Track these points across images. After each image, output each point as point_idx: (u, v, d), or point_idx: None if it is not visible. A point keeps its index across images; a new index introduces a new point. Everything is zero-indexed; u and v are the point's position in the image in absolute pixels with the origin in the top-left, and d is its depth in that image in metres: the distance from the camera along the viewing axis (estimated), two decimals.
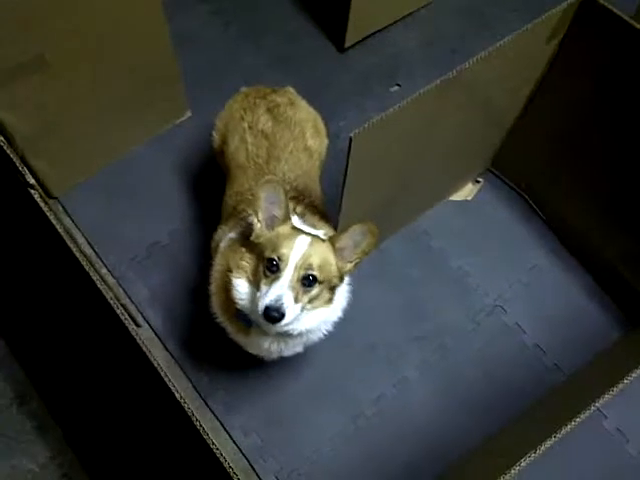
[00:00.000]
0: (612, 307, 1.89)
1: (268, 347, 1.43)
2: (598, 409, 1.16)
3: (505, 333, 1.85)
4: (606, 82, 1.53)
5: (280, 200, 1.28)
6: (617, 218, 1.73)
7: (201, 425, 0.96)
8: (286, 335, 1.35)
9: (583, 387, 1.54)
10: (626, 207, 1.69)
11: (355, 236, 1.27)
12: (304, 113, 1.72)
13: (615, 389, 1.18)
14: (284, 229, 1.30)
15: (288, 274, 1.23)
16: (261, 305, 1.23)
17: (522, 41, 1.39)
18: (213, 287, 1.46)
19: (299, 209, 1.49)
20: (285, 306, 1.21)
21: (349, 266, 1.32)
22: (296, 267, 1.24)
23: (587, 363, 1.78)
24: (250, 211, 1.47)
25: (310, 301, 1.28)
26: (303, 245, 1.26)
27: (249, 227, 1.42)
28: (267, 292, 1.23)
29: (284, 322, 1.22)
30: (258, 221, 1.31)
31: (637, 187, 1.62)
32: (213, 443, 0.94)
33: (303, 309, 1.27)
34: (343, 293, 1.45)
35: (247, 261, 1.33)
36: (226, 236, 1.48)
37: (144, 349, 1.02)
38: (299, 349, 1.49)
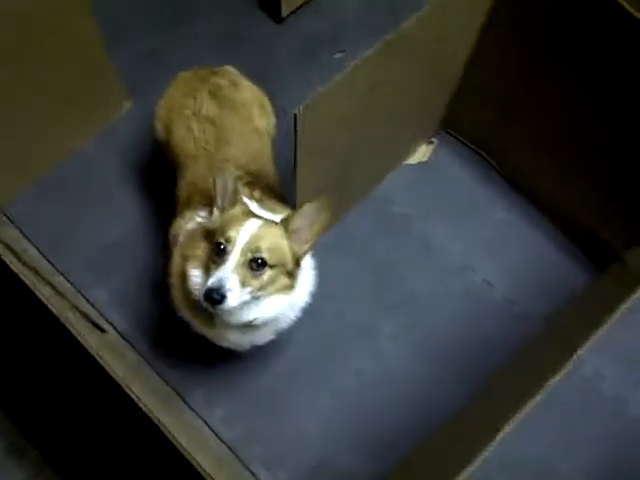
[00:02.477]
0: (577, 254, 1.91)
1: (236, 339, 1.40)
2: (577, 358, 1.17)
3: (475, 291, 1.85)
4: (551, 25, 1.50)
5: (231, 185, 1.26)
6: (573, 163, 1.72)
7: (161, 422, 0.92)
8: (250, 326, 1.32)
9: (557, 337, 1.56)
10: (581, 151, 1.68)
11: (309, 215, 1.24)
12: (248, 93, 1.66)
13: (595, 337, 1.18)
14: (234, 212, 1.27)
15: (234, 257, 1.20)
16: (203, 288, 1.20)
17: None
18: (173, 280, 1.42)
19: (256, 194, 1.45)
20: (227, 288, 1.17)
21: (306, 247, 1.28)
22: (243, 250, 1.20)
23: (558, 309, 1.79)
24: (204, 200, 1.43)
25: (262, 287, 1.24)
26: (251, 228, 1.22)
27: (205, 217, 1.38)
28: (212, 275, 1.20)
29: (226, 305, 1.18)
30: (216, 208, 1.29)
31: (589, 130, 1.62)
32: (175, 439, 0.91)
33: (254, 295, 1.23)
34: (308, 278, 1.42)
35: (202, 250, 1.30)
36: (183, 228, 1.43)
37: (94, 355, 0.97)
38: (270, 336, 1.46)
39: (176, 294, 1.41)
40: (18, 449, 1.64)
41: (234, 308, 1.22)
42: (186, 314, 1.41)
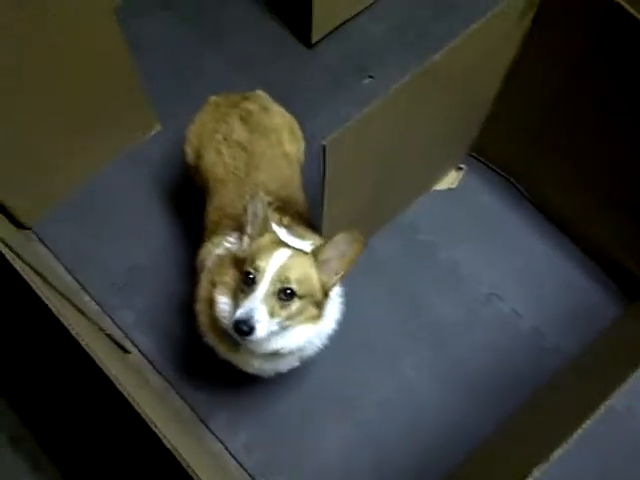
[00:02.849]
0: (608, 284, 1.87)
1: (260, 366, 1.39)
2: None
3: (502, 320, 1.82)
4: (582, 55, 1.48)
5: (261, 211, 1.25)
6: (603, 195, 1.70)
7: (176, 450, 0.91)
8: (276, 354, 1.31)
9: (588, 372, 1.52)
10: (611, 183, 1.65)
11: (340, 246, 1.23)
12: (278, 118, 1.66)
13: (630, 379, 1.14)
14: (263, 241, 1.26)
15: (263, 288, 1.19)
16: (232, 318, 1.20)
17: (493, 22, 1.35)
18: (200, 306, 1.42)
19: (285, 221, 1.44)
20: (256, 319, 1.17)
21: (335, 278, 1.27)
22: (272, 281, 1.19)
23: (587, 343, 1.75)
24: (233, 225, 1.43)
25: (290, 317, 1.23)
26: (281, 258, 1.21)
27: (234, 242, 1.38)
28: (240, 305, 1.20)
29: (255, 336, 1.17)
30: (246, 235, 1.29)
31: (620, 162, 1.59)
32: (187, 464, 0.90)
33: (282, 325, 1.22)
34: (336, 306, 1.41)
35: (231, 277, 1.29)
36: (211, 253, 1.43)
37: (111, 378, 0.96)
38: (295, 364, 1.45)
39: (202, 320, 1.40)
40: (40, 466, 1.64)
41: (263, 338, 1.21)
42: (212, 340, 1.41)
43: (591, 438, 1.45)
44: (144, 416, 0.94)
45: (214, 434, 1.67)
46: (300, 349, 1.34)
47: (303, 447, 1.66)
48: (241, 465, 1.63)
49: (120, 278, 1.84)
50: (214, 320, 1.34)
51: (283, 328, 1.24)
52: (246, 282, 1.21)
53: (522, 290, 1.86)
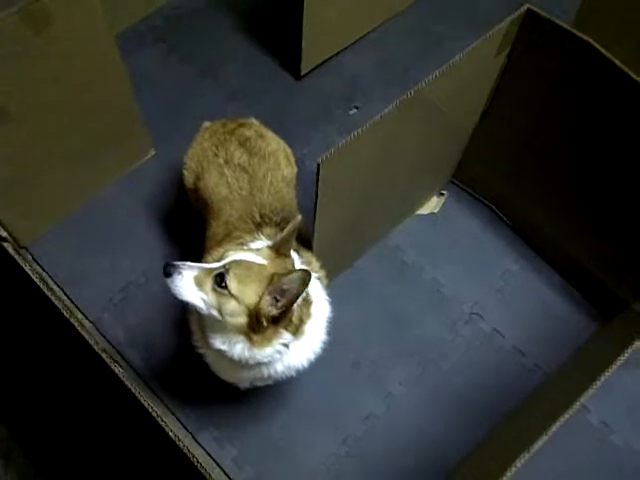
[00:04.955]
0: (584, 304, 1.95)
1: (229, 371, 1.46)
2: (582, 405, 1.20)
3: (484, 339, 1.89)
4: (555, 87, 1.59)
5: (287, 232, 1.31)
6: (581, 217, 1.79)
7: (194, 457, 0.96)
8: (239, 362, 1.34)
9: (564, 384, 1.59)
10: (588, 206, 1.75)
11: (294, 282, 1.21)
12: (274, 144, 1.74)
13: (598, 382, 1.22)
14: (253, 247, 1.36)
15: (210, 264, 1.27)
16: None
17: (473, 56, 1.45)
18: None
19: (294, 244, 1.48)
20: (179, 271, 1.24)
21: (275, 311, 1.25)
22: (220, 266, 1.25)
23: (565, 360, 1.82)
24: (248, 237, 1.49)
25: (220, 310, 1.25)
26: (243, 257, 1.27)
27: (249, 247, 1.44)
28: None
29: (171, 282, 1.24)
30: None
31: (597, 185, 1.69)
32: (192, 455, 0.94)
33: (211, 310, 1.26)
34: (312, 346, 1.43)
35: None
36: (222, 254, 1.46)
37: (129, 387, 1.01)
38: (269, 382, 1.50)
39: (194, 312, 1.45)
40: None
41: (182, 298, 1.26)
42: (193, 324, 1.48)
43: (562, 447, 1.54)
44: (150, 410, 0.99)
45: (204, 449, 1.70)
46: (257, 365, 1.36)
47: (291, 462, 1.69)
48: (231, 479, 1.66)
49: (114, 296, 1.89)
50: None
51: (220, 325, 1.29)
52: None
53: (502, 310, 1.94)
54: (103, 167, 2.01)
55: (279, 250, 1.32)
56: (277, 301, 1.24)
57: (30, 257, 1.94)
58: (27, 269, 1.11)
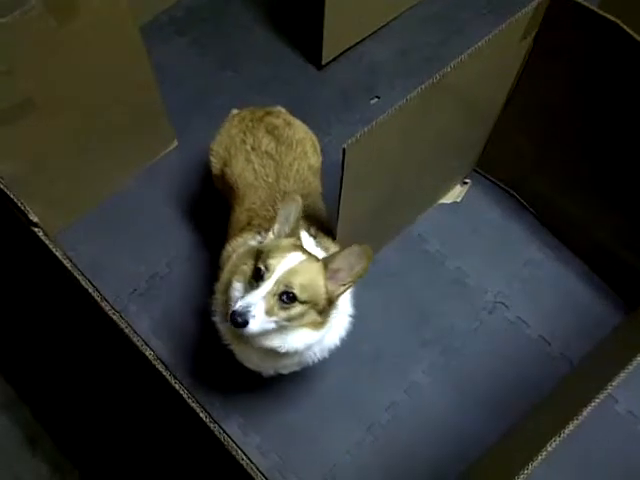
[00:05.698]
0: (609, 292, 1.93)
1: (259, 362, 1.44)
2: (609, 394, 1.19)
3: (508, 328, 1.88)
4: (581, 72, 1.57)
5: (293, 217, 1.31)
6: (607, 201, 1.77)
7: (227, 439, 0.97)
8: (273, 352, 1.35)
9: (591, 374, 1.57)
10: (615, 190, 1.73)
11: (350, 258, 1.26)
12: (302, 132, 1.75)
13: (625, 372, 1.20)
14: (285, 242, 1.31)
15: (267, 286, 1.23)
16: (231, 308, 1.24)
17: (498, 40, 1.43)
18: (219, 286, 1.47)
19: (313, 230, 1.50)
20: (251, 315, 1.21)
21: (342, 289, 1.30)
22: (277, 282, 1.23)
23: (592, 350, 1.80)
24: (266, 225, 1.50)
25: (289, 319, 1.26)
26: (292, 262, 1.26)
27: (264, 239, 1.44)
28: (243, 297, 1.25)
29: (248, 330, 1.22)
30: (271, 232, 1.35)
31: (623, 169, 1.66)
32: (243, 459, 0.95)
33: (280, 324, 1.26)
34: (343, 323, 1.45)
35: (249, 267, 1.33)
36: (243, 245, 1.50)
37: (161, 370, 1.02)
38: (295, 368, 1.50)
39: (218, 299, 1.45)
40: (59, 467, 1.68)
41: (256, 334, 1.25)
42: (221, 323, 1.46)
43: (589, 437, 1.52)
44: (181, 391, 1.00)
45: (229, 436, 1.70)
46: (299, 353, 1.37)
47: (315, 450, 1.70)
48: (256, 467, 1.66)
49: (140, 286, 1.90)
50: (226, 304, 1.38)
51: (282, 327, 1.28)
52: (255, 276, 1.26)
53: (527, 299, 1.92)
54: (126, 158, 2.03)
55: (292, 234, 1.33)
56: (336, 281, 1.29)
57: None
58: (58, 254, 1.12)
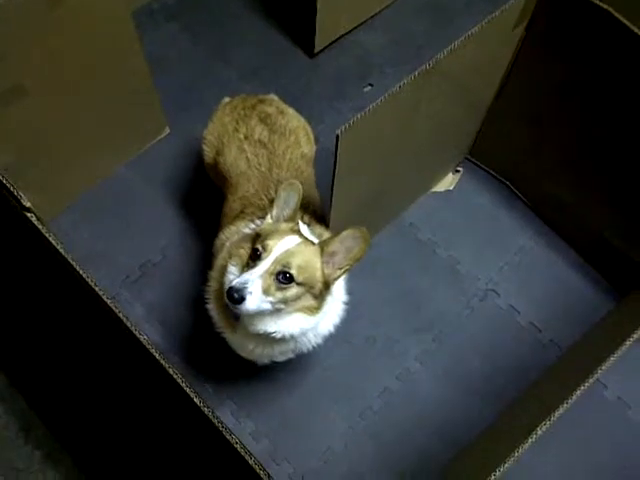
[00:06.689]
0: (600, 280, 1.95)
1: (253, 349, 1.44)
2: (598, 379, 1.20)
3: (500, 315, 1.89)
4: (574, 58, 1.58)
5: (294, 202, 1.32)
6: (598, 189, 1.78)
7: (222, 426, 0.97)
8: (269, 338, 1.35)
9: (580, 360, 1.59)
10: (605, 177, 1.74)
11: (347, 241, 1.27)
12: (295, 121, 1.74)
13: (613, 357, 1.22)
14: (284, 226, 1.32)
15: (265, 265, 1.24)
16: (227, 284, 1.25)
17: (490, 28, 1.44)
18: (213, 273, 1.48)
19: (306, 218, 1.51)
20: (248, 291, 1.21)
21: (338, 273, 1.31)
22: (275, 261, 1.24)
23: (581, 337, 1.82)
24: (259, 213, 1.50)
25: (285, 301, 1.27)
26: (290, 243, 1.27)
27: (256, 227, 1.44)
28: (240, 276, 1.25)
29: (244, 307, 1.21)
30: (270, 216, 1.35)
31: (614, 157, 1.68)
32: (237, 443, 0.96)
33: (275, 306, 1.26)
34: (337, 309, 1.46)
35: (245, 251, 1.34)
36: (236, 233, 1.50)
37: (156, 355, 1.03)
38: (290, 355, 1.50)
39: (212, 286, 1.45)
40: (52, 454, 1.68)
41: (252, 312, 1.25)
42: (214, 310, 1.45)
43: (579, 420, 1.54)
44: (175, 376, 1.00)
45: (222, 422, 1.71)
46: (294, 338, 1.38)
47: (308, 435, 1.71)
48: (249, 451, 1.67)
49: (132, 272, 1.90)
50: (221, 291, 1.38)
51: (277, 310, 1.28)
52: (252, 257, 1.27)
53: (518, 287, 1.93)
54: (118, 145, 2.02)
55: (292, 219, 1.34)
56: (333, 265, 1.30)
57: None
58: (52, 239, 1.12)
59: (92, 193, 2.02)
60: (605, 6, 1.41)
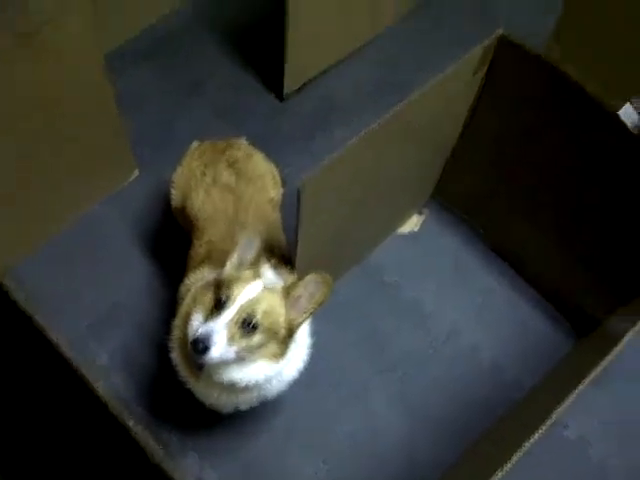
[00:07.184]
0: (562, 321, 1.99)
1: (217, 398, 1.43)
2: (559, 420, 1.22)
3: (464, 355, 1.92)
4: (531, 107, 1.64)
5: (254, 247, 1.34)
6: (556, 234, 1.83)
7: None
8: (234, 387, 1.35)
9: (541, 401, 1.61)
10: (563, 222, 1.80)
11: (310, 286, 1.29)
12: (263, 166, 1.78)
13: (570, 398, 1.24)
14: (247, 273, 1.33)
15: (229, 314, 1.25)
16: (191, 334, 1.25)
17: (451, 77, 1.50)
18: (177, 321, 1.47)
19: (273, 261, 1.52)
20: (213, 341, 1.21)
21: (303, 317, 1.32)
22: (239, 310, 1.25)
23: (543, 376, 1.86)
24: (225, 258, 1.50)
25: (249, 349, 1.28)
26: (254, 290, 1.28)
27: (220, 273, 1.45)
28: (205, 324, 1.25)
29: (209, 357, 1.22)
30: (229, 262, 1.36)
31: (572, 202, 1.73)
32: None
33: (240, 355, 1.27)
34: (302, 354, 1.47)
35: (209, 300, 1.34)
36: (199, 282, 1.50)
37: (111, 406, 1.02)
38: (254, 403, 1.50)
39: (176, 335, 1.45)
40: None
41: (216, 362, 1.26)
42: (178, 359, 1.45)
43: (540, 461, 1.55)
44: (130, 427, 1.00)
45: (185, 473, 1.69)
46: (258, 386, 1.38)
47: None
48: None
49: (98, 316, 1.89)
50: (186, 339, 1.36)
51: (241, 358, 1.28)
52: (216, 306, 1.27)
53: (481, 327, 1.97)
54: (87, 188, 2.02)
55: (255, 265, 1.35)
56: (297, 309, 1.31)
57: (13, 282, 1.92)
58: (11, 289, 1.11)
59: (59, 235, 2.01)
60: (555, 63, 1.48)
